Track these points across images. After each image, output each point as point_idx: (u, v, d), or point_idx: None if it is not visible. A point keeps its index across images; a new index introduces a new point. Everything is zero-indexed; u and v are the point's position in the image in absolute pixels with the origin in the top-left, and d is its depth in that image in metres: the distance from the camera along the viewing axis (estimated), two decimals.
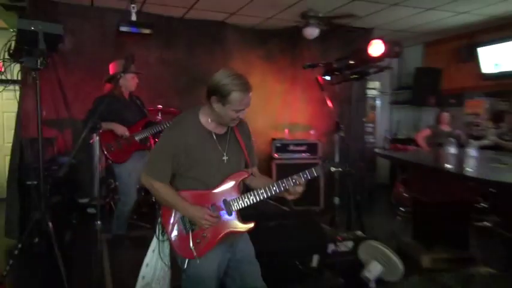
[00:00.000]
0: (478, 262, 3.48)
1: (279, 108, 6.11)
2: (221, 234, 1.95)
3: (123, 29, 4.44)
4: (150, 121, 3.94)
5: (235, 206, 1.98)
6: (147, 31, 4.51)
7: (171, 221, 1.98)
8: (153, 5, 4.93)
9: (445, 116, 5.73)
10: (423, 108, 7.19)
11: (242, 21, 5.68)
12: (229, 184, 1.98)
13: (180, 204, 1.94)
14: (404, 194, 4.76)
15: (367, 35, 5.81)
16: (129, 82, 3.80)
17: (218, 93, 1.85)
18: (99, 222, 2.98)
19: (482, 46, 6.13)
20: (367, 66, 3.69)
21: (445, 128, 5.70)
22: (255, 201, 1.99)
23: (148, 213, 4.73)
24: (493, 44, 6.01)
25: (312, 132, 5.75)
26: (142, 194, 4.64)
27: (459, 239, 3.71)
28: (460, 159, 3.06)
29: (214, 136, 1.98)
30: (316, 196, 5.52)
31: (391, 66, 6.58)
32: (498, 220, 4.10)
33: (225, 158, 1.98)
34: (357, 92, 5.51)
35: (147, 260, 2.07)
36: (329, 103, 3.58)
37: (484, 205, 4.42)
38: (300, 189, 1.99)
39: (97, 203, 3.05)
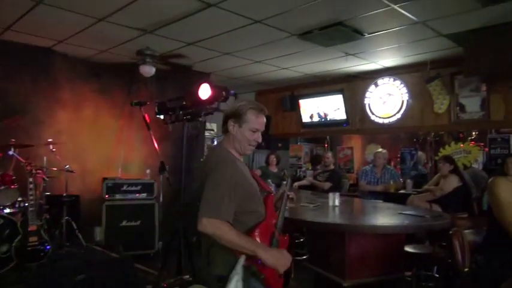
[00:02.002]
0: None
1: (113, 145, 5.74)
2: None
3: None
4: None
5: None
6: None
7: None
8: None
9: (273, 158, 6.28)
10: (256, 150, 7.73)
11: (73, 51, 5.24)
12: (271, 209, 1.95)
13: (255, 243, 1.77)
14: None
15: (205, 78, 6.05)
16: None
17: (234, 116, 1.92)
18: None
19: (302, 98, 7.06)
20: (198, 108, 3.76)
21: (273, 168, 6.23)
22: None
23: None
24: (310, 97, 6.98)
25: (147, 171, 5.52)
26: None
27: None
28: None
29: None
30: (151, 238, 5.24)
31: (222, 109, 7.01)
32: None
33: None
34: (194, 132, 5.61)
35: None
36: (155, 143, 3.49)
37: (302, 239, 4.86)
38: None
39: None
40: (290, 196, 2.17)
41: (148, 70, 5.13)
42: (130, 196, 5.28)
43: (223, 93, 3.59)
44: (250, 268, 1.75)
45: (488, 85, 5.08)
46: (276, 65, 5.80)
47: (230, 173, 1.82)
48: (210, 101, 3.59)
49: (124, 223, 5.11)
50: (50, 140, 4.68)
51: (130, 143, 5.75)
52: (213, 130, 7.25)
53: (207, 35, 4.57)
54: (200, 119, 3.99)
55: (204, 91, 3.58)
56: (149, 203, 5.33)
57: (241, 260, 1.73)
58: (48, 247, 3.67)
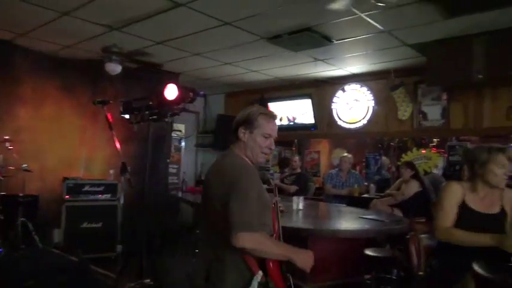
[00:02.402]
0: None
1: (76, 144, 5.56)
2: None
3: None
4: None
5: None
6: None
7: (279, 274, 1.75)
8: None
9: None
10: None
11: (35, 45, 5.04)
12: (274, 220, 1.89)
13: (289, 248, 1.78)
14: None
15: (174, 78, 5.97)
16: None
17: (244, 122, 1.86)
18: None
19: (271, 101, 7.09)
20: (164, 108, 3.70)
21: None
22: None
23: None
24: (279, 100, 7.02)
25: (111, 172, 5.38)
26: None
27: None
28: None
29: None
30: (112, 241, 5.09)
31: (193, 110, 6.95)
32: None
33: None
34: (161, 133, 5.52)
35: None
36: (116, 143, 3.41)
37: None
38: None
39: None
40: (281, 209, 2.14)
41: (114, 68, 5.00)
42: (92, 197, 5.13)
43: (191, 94, 3.56)
44: (267, 285, 1.71)
45: (449, 94, 5.29)
46: (246, 67, 5.80)
47: (256, 183, 1.80)
48: (176, 101, 3.55)
49: (85, 225, 4.96)
50: (6, 137, 4.47)
51: (93, 143, 5.59)
52: (180, 131, 7.16)
53: (176, 35, 4.51)
54: (166, 120, 3.93)
55: (171, 91, 3.54)
56: (111, 205, 5.19)
57: (259, 276, 1.69)
58: (0, 250, 3.50)
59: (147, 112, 3.92)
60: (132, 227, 3.77)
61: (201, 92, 7.30)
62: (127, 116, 4.06)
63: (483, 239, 2.12)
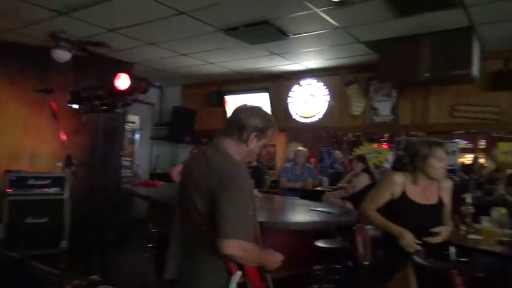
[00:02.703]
0: None
1: (20, 135, 5.24)
2: None
3: None
4: None
5: None
6: None
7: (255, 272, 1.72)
8: None
9: None
10: (180, 145, 7.60)
11: None
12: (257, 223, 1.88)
13: (266, 254, 1.78)
14: (152, 230, 4.77)
15: (129, 69, 5.76)
16: None
17: (259, 130, 1.80)
18: None
19: (228, 95, 7.05)
20: (116, 99, 3.57)
21: None
22: None
23: None
24: (236, 94, 7.00)
25: (58, 164, 5.12)
26: None
27: None
28: None
29: None
30: (59, 236, 4.86)
31: (148, 101, 6.76)
32: None
33: None
34: (113, 124, 5.33)
35: None
36: (62, 134, 3.25)
37: None
38: None
39: None
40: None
41: (61, 55, 4.75)
42: (38, 191, 4.86)
43: (143, 84, 3.46)
44: (245, 285, 1.68)
45: (399, 91, 5.51)
46: (203, 59, 5.72)
47: (249, 189, 1.77)
48: (128, 91, 3.43)
49: (29, 220, 4.69)
50: None
51: (39, 134, 5.29)
52: (134, 122, 6.95)
53: (129, 23, 4.35)
54: (118, 111, 3.80)
55: (122, 81, 3.42)
56: (58, 199, 4.94)
57: (237, 276, 1.66)
58: None
59: (97, 102, 3.76)
60: (81, 221, 3.61)
61: (157, 83, 7.13)
62: (75, 106, 3.88)
63: (390, 228, 2.30)
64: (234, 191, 1.66)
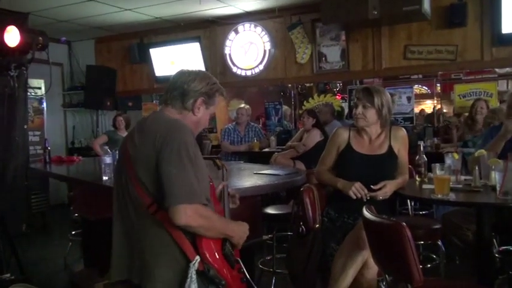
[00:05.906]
0: None
1: None
2: None
3: None
4: None
5: None
6: None
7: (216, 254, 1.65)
8: None
9: (121, 120, 5.98)
10: (101, 112, 7.30)
11: None
12: (216, 201, 1.84)
13: (229, 223, 1.78)
14: (75, 215, 4.62)
15: (21, 20, 5.31)
16: None
17: (205, 94, 1.79)
18: None
19: (153, 47, 6.79)
20: (6, 58, 3.29)
21: (122, 133, 5.94)
22: None
23: None
24: (163, 45, 6.76)
25: None
26: None
27: None
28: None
29: None
30: None
31: (53, 61, 6.33)
32: None
33: None
34: (8, 92, 4.95)
35: None
36: None
37: None
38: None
39: None
40: (231, 193, 2.03)
41: None
42: None
43: (40, 38, 3.21)
44: (207, 273, 1.59)
45: (347, 34, 5.61)
46: (117, 5, 5.42)
47: (194, 145, 1.67)
48: (20, 49, 3.17)
49: None
50: None
51: None
52: (39, 88, 6.51)
53: None
54: (12, 74, 3.52)
55: (11, 36, 3.14)
56: None
57: (196, 263, 1.56)
58: None
59: None
60: None
61: (63, 38, 6.67)
62: None
63: (337, 184, 2.48)
64: (178, 147, 1.58)
